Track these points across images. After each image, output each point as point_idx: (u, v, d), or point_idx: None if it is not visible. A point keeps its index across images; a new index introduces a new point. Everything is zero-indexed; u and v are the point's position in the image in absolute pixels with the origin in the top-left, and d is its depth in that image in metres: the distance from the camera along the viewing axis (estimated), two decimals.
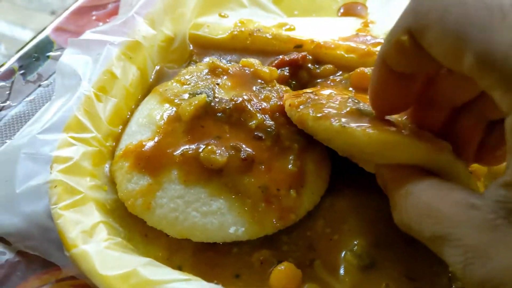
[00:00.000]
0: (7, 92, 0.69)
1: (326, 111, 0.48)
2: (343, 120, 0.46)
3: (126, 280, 0.41)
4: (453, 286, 0.48)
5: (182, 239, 0.50)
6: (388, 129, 0.44)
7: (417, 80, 0.43)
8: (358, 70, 0.60)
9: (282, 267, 0.48)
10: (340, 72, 0.63)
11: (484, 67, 0.31)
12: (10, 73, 0.72)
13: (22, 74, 0.72)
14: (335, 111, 0.48)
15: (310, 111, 0.49)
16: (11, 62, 0.74)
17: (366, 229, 0.51)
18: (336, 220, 0.52)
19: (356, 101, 0.50)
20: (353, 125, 0.45)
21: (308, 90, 0.59)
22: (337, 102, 0.50)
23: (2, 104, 0.68)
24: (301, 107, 0.51)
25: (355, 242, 0.50)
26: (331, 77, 0.64)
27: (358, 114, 0.47)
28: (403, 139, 0.43)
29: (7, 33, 2.49)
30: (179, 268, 0.49)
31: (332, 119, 0.46)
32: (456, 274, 0.37)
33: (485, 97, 0.38)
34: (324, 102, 0.50)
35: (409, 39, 0.37)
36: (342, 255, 0.49)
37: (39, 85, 0.70)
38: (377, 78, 0.44)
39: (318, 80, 0.66)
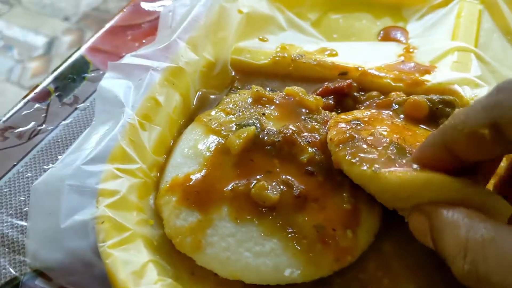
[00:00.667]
0: (43, 115, 0.68)
1: (362, 156, 0.47)
2: (376, 165, 0.45)
3: None
4: None
5: (227, 281, 0.49)
6: (418, 170, 0.44)
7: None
8: (412, 99, 0.58)
9: None
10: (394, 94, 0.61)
11: None
12: (45, 95, 0.70)
13: (58, 96, 0.70)
14: (371, 156, 0.47)
15: (347, 153, 0.48)
16: (46, 83, 0.72)
17: (414, 274, 0.50)
18: (385, 263, 0.51)
19: (398, 146, 0.48)
20: (384, 170, 0.44)
21: (357, 115, 0.57)
22: (379, 147, 0.48)
23: (38, 128, 0.66)
24: (340, 146, 0.50)
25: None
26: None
27: (394, 159, 0.46)
28: (437, 175, 0.42)
29: (20, 38, 2.50)
30: None
31: (364, 165, 0.46)
32: None
33: None
34: (364, 146, 0.49)
35: (491, 132, 0.37)
36: None
37: (76, 108, 0.69)
38: (429, 154, 0.44)
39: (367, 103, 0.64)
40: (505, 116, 0.36)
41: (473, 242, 0.37)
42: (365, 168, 0.45)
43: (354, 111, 0.61)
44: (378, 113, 0.59)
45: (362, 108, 0.63)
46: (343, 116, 0.58)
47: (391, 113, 0.60)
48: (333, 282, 0.49)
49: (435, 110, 0.58)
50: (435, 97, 0.59)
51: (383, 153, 0.47)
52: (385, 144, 0.49)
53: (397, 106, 0.60)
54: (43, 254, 0.51)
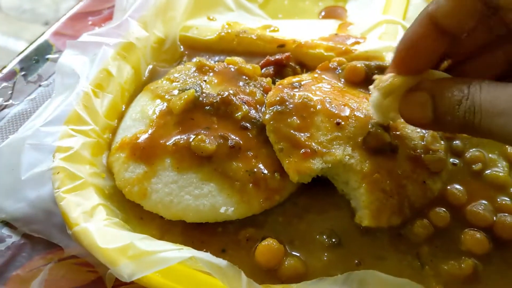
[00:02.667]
0: (10, 92, 0.74)
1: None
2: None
3: (125, 252, 0.46)
4: (419, 262, 0.53)
5: (171, 221, 0.55)
6: None
7: (451, 39, 0.47)
8: (350, 65, 0.65)
9: (267, 242, 0.52)
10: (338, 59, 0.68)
11: None
12: (12, 75, 0.76)
13: (23, 75, 0.76)
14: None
15: (271, 117, 0.57)
16: (13, 64, 0.78)
17: (327, 220, 0.56)
18: (301, 212, 0.57)
19: None
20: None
21: (303, 77, 0.65)
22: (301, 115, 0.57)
23: (5, 103, 0.72)
24: (269, 108, 0.58)
25: (323, 228, 0.56)
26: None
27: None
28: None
29: (0, 44, 2.51)
30: None
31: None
32: None
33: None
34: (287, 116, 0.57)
35: None
36: (317, 237, 0.55)
37: (40, 85, 0.75)
38: (416, 33, 0.47)
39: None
40: None
41: (473, 87, 0.43)
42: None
43: (303, 74, 0.68)
44: (321, 77, 0.66)
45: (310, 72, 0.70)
46: (290, 78, 0.65)
47: (334, 74, 0.67)
48: (258, 221, 0.56)
49: (371, 74, 0.65)
50: (372, 63, 0.66)
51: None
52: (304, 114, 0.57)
53: (340, 71, 0.67)
54: (7, 206, 0.57)
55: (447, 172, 0.59)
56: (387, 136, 0.55)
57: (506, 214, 0.56)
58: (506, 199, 0.58)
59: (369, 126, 0.56)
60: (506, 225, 0.55)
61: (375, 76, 0.54)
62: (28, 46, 0.82)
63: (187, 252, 0.45)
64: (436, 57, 0.49)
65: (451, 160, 0.61)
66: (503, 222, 0.55)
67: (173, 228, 0.56)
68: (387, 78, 0.51)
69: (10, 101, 0.73)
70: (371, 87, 0.54)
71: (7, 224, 0.58)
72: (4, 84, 0.75)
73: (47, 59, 0.79)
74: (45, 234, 0.56)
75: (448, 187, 0.58)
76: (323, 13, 0.88)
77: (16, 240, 0.57)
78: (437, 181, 0.58)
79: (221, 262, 0.45)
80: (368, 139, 0.55)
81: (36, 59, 0.79)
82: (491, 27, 0.47)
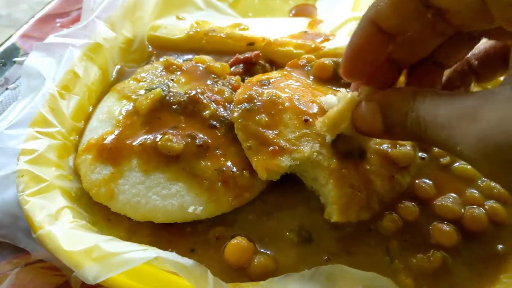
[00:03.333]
0: None
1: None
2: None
3: (89, 254, 0.45)
4: (389, 256, 0.53)
5: (140, 222, 0.54)
6: None
7: (393, 42, 0.48)
8: (318, 62, 0.65)
9: (236, 240, 0.52)
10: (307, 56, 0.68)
11: None
12: None
13: None
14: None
15: (239, 115, 0.57)
16: None
17: (296, 217, 0.56)
18: (269, 210, 0.57)
19: None
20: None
21: (272, 74, 0.65)
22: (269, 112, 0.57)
23: None
24: (238, 106, 0.58)
25: (293, 225, 0.56)
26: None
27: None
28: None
29: None
30: None
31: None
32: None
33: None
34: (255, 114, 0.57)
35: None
36: (286, 234, 0.55)
37: (6, 88, 0.74)
38: (360, 38, 0.48)
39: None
40: None
41: (418, 99, 0.43)
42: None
43: (273, 72, 0.68)
44: (290, 74, 0.66)
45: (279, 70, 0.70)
46: (259, 76, 0.65)
47: (303, 71, 0.67)
48: (228, 220, 0.56)
49: (339, 71, 0.65)
50: (340, 60, 0.66)
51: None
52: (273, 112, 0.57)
53: (309, 68, 0.67)
54: None
55: (415, 166, 0.60)
56: (355, 141, 0.55)
57: (474, 206, 0.56)
58: (474, 191, 0.58)
59: None
60: (474, 217, 0.55)
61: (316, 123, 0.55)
62: None
63: (152, 252, 0.45)
64: (381, 59, 0.50)
65: (419, 154, 0.61)
66: (471, 214, 0.55)
67: (141, 229, 0.55)
68: (322, 119, 0.53)
69: None
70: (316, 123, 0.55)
71: None
72: None
73: (14, 62, 0.78)
74: (11, 239, 0.55)
75: (417, 181, 0.59)
76: (293, 11, 0.88)
77: None
78: (405, 175, 0.58)
79: (187, 261, 0.44)
80: (337, 143, 0.55)
81: (3, 62, 0.78)
82: (440, 30, 0.48)
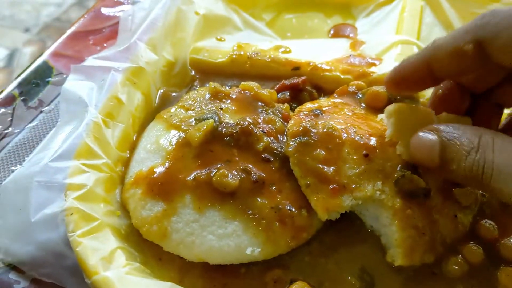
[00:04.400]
0: (9, 119, 0.70)
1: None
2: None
3: None
4: None
5: (191, 262, 0.52)
6: None
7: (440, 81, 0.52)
8: (372, 90, 0.63)
9: (297, 286, 0.49)
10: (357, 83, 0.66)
11: None
12: (10, 100, 0.72)
13: (23, 100, 0.72)
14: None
15: (294, 149, 0.55)
16: (11, 88, 0.74)
17: (356, 259, 0.54)
18: (327, 251, 0.55)
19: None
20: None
21: (322, 103, 0.62)
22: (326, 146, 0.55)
23: (5, 131, 0.68)
24: (292, 139, 0.55)
25: (353, 268, 0.53)
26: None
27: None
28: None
29: None
30: None
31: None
32: None
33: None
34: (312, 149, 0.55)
35: (474, 48, 0.44)
36: (348, 278, 0.52)
37: (41, 111, 0.71)
38: (408, 68, 0.51)
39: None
40: (490, 31, 0.44)
41: (484, 140, 0.43)
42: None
43: (321, 99, 0.65)
44: (340, 103, 0.63)
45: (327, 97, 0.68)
46: (309, 104, 0.62)
47: (353, 100, 0.65)
48: (284, 261, 0.53)
49: (394, 100, 0.62)
50: None
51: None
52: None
53: (360, 96, 0.64)
54: (14, 249, 0.53)
55: (477, 205, 0.57)
56: (421, 182, 0.52)
57: None
58: None
59: (398, 169, 0.53)
60: None
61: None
62: (26, 68, 0.78)
63: None
64: (422, 88, 0.54)
65: (480, 191, 0.59)
66: None
67: (192, 269, 0.53)
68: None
69: (10, 129, 0.69)
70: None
71: (14, 268, 0.54)
72: (3, 110, 0.71)
73: (48, 82, 0.75)
74: (56, 279, 0.52)
75: (479, 221, 0.56)
76: (332, 31, 0.86)
77: (25, 286, 0.53)
78: (468, 214, 0.56)
79: None
80: (401, 182, 0.52)
81: (36, 82, 0.75)
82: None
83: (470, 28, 0.46)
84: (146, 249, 0.53)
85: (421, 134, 0.48)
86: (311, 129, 0.56)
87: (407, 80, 0.52)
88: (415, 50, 0.74)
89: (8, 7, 2.75)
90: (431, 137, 0.47)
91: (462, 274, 0.52)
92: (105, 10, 0.90)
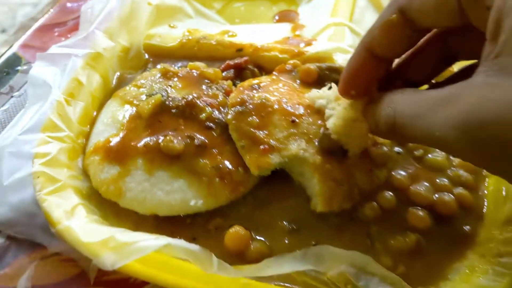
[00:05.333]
0: None
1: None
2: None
3: (106, 244, 0.51)
4: (369, 239, 0.59)
5: (144, 216, 0.60)
6: None
7: (387, 63, 0.54)
8: (304, 67, 0.72)
9: (234, 229, 0.58)
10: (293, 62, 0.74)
11: None
12: None
13: None
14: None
15: (232, 117, 0.63)
16: None
17: (286, 209, 0.62)
18: (261, 205, 0.63)
19: None
20: None
21: (262, 79, 0.71)
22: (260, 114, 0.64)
23: None
24: (232, 109, 0.64)
25: (284, 216, 0.62)
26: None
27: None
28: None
29: None
30: None
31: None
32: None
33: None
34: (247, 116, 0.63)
35: (398, 16, 0.47)
36: (278, 223, 0.61)
37: (12, 96, 0.79)
38: (356, 63, 0.53)
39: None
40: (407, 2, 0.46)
41: (395, 96, 0.48)
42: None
43: (262, 77, 0.74)
44: (278, 79, 0.72)
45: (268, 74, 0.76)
46: (250, 80, 0.71)
47: (289, 76, 0.73)
48: (224, 212, 0.62)
49: (323, 75, 0.72)
50: (323, 65, 0.73)
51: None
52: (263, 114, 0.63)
53: (295, 73, 0.73)
54: None
55: (392, 162, 0.66)
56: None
57: (445, 193, 0.63)
58: (445, 180, 0.65)
59: (321, 130, 0.62)
60: (445, 202, 0.62)
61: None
62: None
63: (163, 240, 0.51)
64: (376, 79, 0.55)
65: (396, 149, 0.68)
66: (442, 200, 0.62)
67: (146, 222, 0.61)
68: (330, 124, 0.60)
69: None
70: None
71: None
72: None
73: (17, 70, 0.83)
74: (29, 235, 0.60)
75: (393, 173, 0.65)
76: (276, 17, 0.94)
77: (1, 242, 0.61)
78: (383, 170, 0.65)
79: (194, 247, 0.51)
80: (322, 140, 0.61)
81: (7, 71, 0.83)
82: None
83: (391, 1, 0.48)
84: (105, 206, 0.61)
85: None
86: (248, 100, 0.65)
87: (359, 77, 0.54)
88: (347, 30, 0.83)
89: None
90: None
91: (375, 217, 0.61)
92: (69, 4, 0.98)
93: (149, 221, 0.61)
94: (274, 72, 0.74)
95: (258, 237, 0.59)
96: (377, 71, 0.54)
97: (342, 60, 0.77)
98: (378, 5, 0.93)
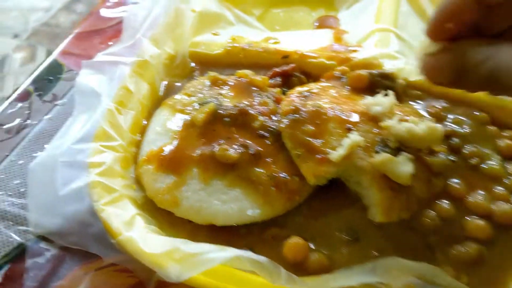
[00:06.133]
0: (27, 112, 0.77)
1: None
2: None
3: (170, 255, 0.50)
4: (429, 250, 0.58)
5: (198, 225, 0.59)
6: None
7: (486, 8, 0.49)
8: (354, 73, 0.70)
9: (293, 239, 0.57)
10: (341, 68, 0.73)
11: None
12: (26, 95, 0.80)
13: (38, 95, 0.80)
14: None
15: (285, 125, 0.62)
16: (25, 85, 0.81)
17: (342, 218, 0.61)
18: (316, 214, 0.62)
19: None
20: None
21: (311, 86, 0.70)
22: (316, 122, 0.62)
23: (24, 123, 0.75)
24: (284, 117, 0.63)
25: (341, 226, 0.61)
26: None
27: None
28: None
29: None
30: None
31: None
32: None
33: None
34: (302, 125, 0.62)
35: None
36: (336, 234, 0.60)
37: (55, 104, 0.78)
38: (452, 2, 0.49)
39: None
40: None
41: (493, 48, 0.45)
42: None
43: (310, 84, 0.73)
44: (327, 86, 0.71)
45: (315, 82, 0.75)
46: (299, 88, 0.70)
47: (338, 83, 0.72)
48: (278, 222, 0.60)
49: (374, 81, 0.70)
50: (375, 71, 0.71)
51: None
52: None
53: (344, 79, 0.72)
54: (44, 221, 0.61)
55: (448, 170, 0.65)
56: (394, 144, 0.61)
57: (503, 202, 0.62)
58: (501, 189, 0.64)
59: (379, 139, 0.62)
60: (504, 212, 0.60)
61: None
62: (38, 67, 0.85)
63: (230, 252, 0.50)
64: (469, 25, 0.50)
65: (450, 157, 0.67)
66: (501, 210, 0.61)
67: (200, 231, 0.60)
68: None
69: (29, 121, 0.76)
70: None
71: (44, 238, 0.62)
72: (20, 104, 0.78)
73: (60, 78, 0.83)
74: (83, 245, 0.60)
75: (449, 181, 0.64)
76: (316, 23, 0.93)
77: (54, 253, 0.61)
78: (440, 178, 0.63)
79: (262, 258, 0.50)
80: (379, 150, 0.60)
81: (49, 78, 0.83)
82: None
83: None
84: (160, 216, 0.61)
85: (433, 55, 0.50)
86: (301, 107, 0.64)
87: (454, 17, 0.49)
88: (392, 36, 0.82)
89: None
90: (444, 55, 0.49)
91: (434, 227, 0.60)
92: (106, 12, 0.97)
93: (204, 231, 0.60)
94: (321, 79, 0.73)
95: (316, 248, 0.58)
96: (473, 15, 0.49)
97: (390, 66, 0.76)
98: (420, 11, 0.91)
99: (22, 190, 0.68)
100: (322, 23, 0.93)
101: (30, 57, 2.46)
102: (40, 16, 2.70)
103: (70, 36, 0.91)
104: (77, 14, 2.46)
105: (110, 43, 0.88)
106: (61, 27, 2.50)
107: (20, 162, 0.71)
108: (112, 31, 0.92)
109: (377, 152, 0.60)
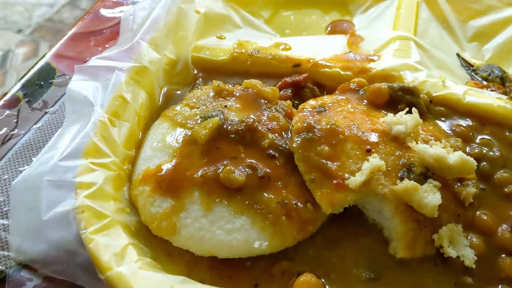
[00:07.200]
0: (15, 121, 0.71)
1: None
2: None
3: None
4: None
5: (198, 256, 0.53)
6: None
7: None
8: (374, 86, 0.64)
9: (305, 277, 0.51)
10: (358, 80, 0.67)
11: None
12: (15, 101, 0.73)
13: (27, 101, 0.73)
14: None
15: (298, 146, 0.56)
16: (15, 90, 0.75)
17: (359, 251, 0.55)
18: (330, 244, 0.56)
19: None
20: None
21: (325, 99, 0.64)
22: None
23: (11, 133, 0.69)
24: (297, 135, 0.57)
25: (358, 260, 0.54)
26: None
27: None
28: None
29: None
30: (201, 281, 0.51)
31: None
32: None
33: None
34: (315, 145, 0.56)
35: None
36: (353, 271, 0.53)
37: (46, 112, 0.72)
38: None
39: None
40: None
41: None
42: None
43: (324, 96, 0.67)
44: (343, 100, 0.64)
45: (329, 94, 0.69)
46: (312, 101, 0.63)
47: (355, 97, 0.66)
48: (287, 254, 0.54)
49: (395, 96, 0.64)
50: (396, 85, 0.65)
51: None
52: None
53: (362, 92, 0.65)
54: (26, 247, 0.54)
55: (478, 199, 0.58)
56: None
57: None
58: None
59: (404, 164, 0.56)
60: None
61: None
62: (29, 70, 0.78)
63: None
64: None
65: (481, 185, 0.60)
66: None
67: (200, 263, 0.54)
68: None
69: (16, 131, 0.70)
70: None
71: (25, 266, 0.55)
72: (8, 112, 0.72)
73: (51, 83, 0.76)
74: (69, 276, 0.54)
75: (478, 213, 0.57)
76: (329, 28, 0.87)
77: (37, 283, 0.54)
78: (468, 209, 0.57)
79: None
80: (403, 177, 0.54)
81: (39, 83, 0.76)
82: None
83: None
84: (156, 244, 0.54)
85: None
86: (315, 125, 0.57)
87: None
88: (412, 45, 0.76)
89: (0, 9, 2.74)
90: None
91: (464, 264, 0.53)
92: (104, 11, 0.91)
93: (205, 262, 0.54)
94: (336, 91, 0.67)
95: (330, 286, 0.52)
96: None
97: (411, 78, 0.69)
98: (441, 17, 0.85)
99: (5, 209, 0.61)
100: (335, 28, 0.86)
101: (32, 52, 2.42)
102: (44, 11, 2.65)
103: (64, 38, 0.84)
104: (81, 10, 2.43)
105: (107, 45, 0.81)
106: (65, 23, 2.45)
107: (5, 177, 0.65)
108: (110, 33, 0.85)
109: (400, 178, 0.54)
